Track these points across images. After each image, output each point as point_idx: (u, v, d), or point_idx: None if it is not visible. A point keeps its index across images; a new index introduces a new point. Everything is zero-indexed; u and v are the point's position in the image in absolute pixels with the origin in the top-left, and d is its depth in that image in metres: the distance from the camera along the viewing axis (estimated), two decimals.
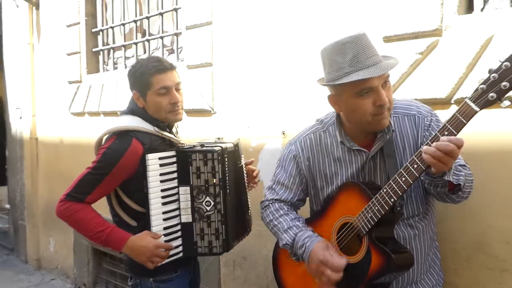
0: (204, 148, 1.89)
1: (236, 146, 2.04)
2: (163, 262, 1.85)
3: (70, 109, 4.23)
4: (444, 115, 1.56)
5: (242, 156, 2.12)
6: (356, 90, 1.45)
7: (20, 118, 5.03)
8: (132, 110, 1.96)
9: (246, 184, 2.13)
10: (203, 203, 1.88)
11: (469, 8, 1.88)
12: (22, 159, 5.04)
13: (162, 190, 1.85)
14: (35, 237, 4.89)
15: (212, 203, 1.87)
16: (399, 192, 1.39)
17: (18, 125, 5.11)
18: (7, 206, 5.84)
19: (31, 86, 4.82)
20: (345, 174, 1.63)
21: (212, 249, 1.89)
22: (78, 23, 4.12)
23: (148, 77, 1.88)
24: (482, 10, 1.85)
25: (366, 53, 1.44)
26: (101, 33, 4.08)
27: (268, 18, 2.52)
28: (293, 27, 2.41)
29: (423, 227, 1.61)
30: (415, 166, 1.35)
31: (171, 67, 1.91)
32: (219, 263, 2.89)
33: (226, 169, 1.89)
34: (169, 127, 2.01)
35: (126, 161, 1.82)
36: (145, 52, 3.65)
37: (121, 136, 1.87)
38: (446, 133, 1.29)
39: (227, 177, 1.89)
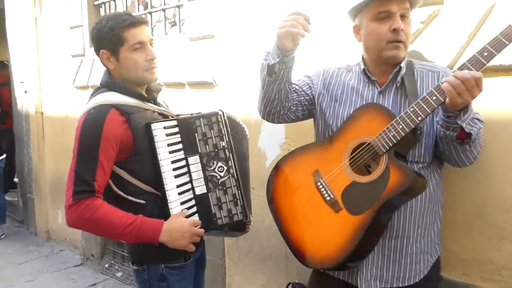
0: (207, 112, 1.80)
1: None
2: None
3: (74, 83, 4.24)
4: None
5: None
6: (374, 12, 1.53)
7: (25, 92, 5.05)
8: (109, 85, 1.76)
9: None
10: (216, 170, 1.76)
11: None
12: (28, 133, 5.09)
13: (173, 162, 1.71)
14: (43, 209, 4.99)
15: (225, 168, 1.76)
16: (428, 110, 1.39)
17: (23, 100, 5.14)
18: (15, 179, 5.92)
19: (35, 60, 4.81)
20: (356, 102, 1.66)
21: (233, 217, 1.75)
22: None
23: (120, 32, 1.68)
24: None
25: None
26: (103, 5, 4.04)
27: None
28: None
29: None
30: (434, 97, 1.38)
31: (144, 22, 1.74)
32: (223, 238, 2.93)
33: (230, 134, 1.80)
34: (154, 100, 1.84)
35: (108, 131, 1.61)
36: (147, 25, 3.63)
37: (94, 108, 1.66)
38: (485, 53, 1.32)
39: (232, 141, 1.81)
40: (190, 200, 1.73)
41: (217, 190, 1.76)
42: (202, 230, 1.70)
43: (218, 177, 1.76)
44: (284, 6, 2.42)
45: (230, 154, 1.78)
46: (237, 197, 1.77)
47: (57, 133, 4.64)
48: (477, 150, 1.51)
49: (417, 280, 1.62)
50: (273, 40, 1.55)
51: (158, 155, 1.68)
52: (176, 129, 1.75)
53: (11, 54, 5.31)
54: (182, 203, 1.71)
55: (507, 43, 1.30)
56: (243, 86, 2.68)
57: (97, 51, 1.77)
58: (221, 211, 1.75)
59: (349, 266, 1.60)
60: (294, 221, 1.66)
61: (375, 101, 1.61)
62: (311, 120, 1.86)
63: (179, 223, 1.64)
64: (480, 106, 1.70)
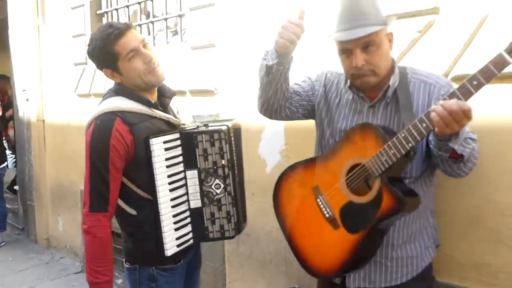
0: (210, 128, 1.78)
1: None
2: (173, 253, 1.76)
3: (76, 91, 4.28)
4: None
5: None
6: (338, 48, 1.60)
7: (27, 100, 5.09)
8: (117, 91, 1.79)
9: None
10: (212, 186, 1.78)
11: None
12: (29, 141, 5.12)
13: (169, 176, 1.74)
14: (44, 217, 5.00)
15: (222, 185, 1.78)
16: (418, 138, 1.41)
17: (25, 107, 5.18)
18: (16, 187, 5.95)
19: (37, 68, 4.86)
20: (349, 115, 1.71)
21: (225, 233, 1.81)
22: (83, 5, 4.14)
23: (110, 48, 1.69)
24: None
25: (351, 15, 1.51)
26: (105, 15, 4.10)
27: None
28: (295, 7, 2.43)
29: None
30: (424, 125, 1.39)
31: (128, 27, 1.71)
32: (224, 242, 2.96)
33: (233, 148, 1.82)
34: (164, 106, 1.85)
35: (115, 142, 1.66)
36: (149, 34, 3.69)
37: (100, 117, 1.69)
38: (475, 82, 1.29)
39: (234, 157, 1.82)
40: (184, 212, 1.79)
41: (211, 206, 1.80)
42: None
43: (214, 193, 1.79)
44: (283, 15, 2.47)
45: (230, 172, 1.79)
46: (231, 214, 1.80)
47: (59, 140, 4.67)
48: (472, 164, 1.52)
49: (404, 280, 1.67)
50: (272, 43, 1.60)
51: (154, 170, 1.71)
52: (178, 142, 1.77)
53: (14, 63, 5.37)
54: (174, 216, 1.76)
55: (497, 72, 1.28)
56: (243, 94, 2.73)
57: (100, 70, 1.81)
58: (214, 225, 1.81)
59: (345, 275, 1.71)
60: (298, 232, 1.78)
61: (365, 115, 1.67)
62: (310, 128, 1.91)
63: None
64: (477, 112, 1.74)
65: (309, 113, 1.84)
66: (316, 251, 1.70)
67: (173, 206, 1.76)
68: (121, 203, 1.76)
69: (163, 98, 1.86)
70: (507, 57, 1.26)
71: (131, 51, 1.69)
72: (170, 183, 1.74)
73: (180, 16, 3.32)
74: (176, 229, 1.77)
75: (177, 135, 1.78)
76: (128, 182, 1.74)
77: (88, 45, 1.76)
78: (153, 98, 1.83)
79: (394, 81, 1.60)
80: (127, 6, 3.84)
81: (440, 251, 1.86)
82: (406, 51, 1.95)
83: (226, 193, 1.79)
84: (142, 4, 3.71)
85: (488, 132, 1.76)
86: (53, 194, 4.87)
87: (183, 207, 1.79)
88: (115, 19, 4.03)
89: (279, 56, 1.57)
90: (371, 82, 1.58)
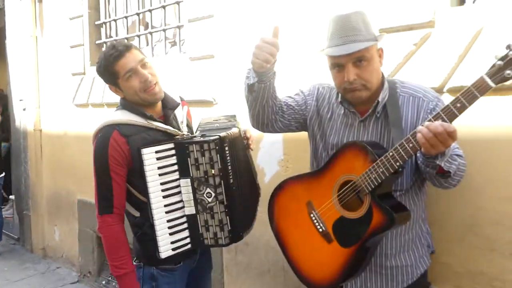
0: (201, 138, 1.85)
1: (238, 127, 2.03)
2: (172, 254, 1.86)
3: (74, 101, 4.30)
4: None
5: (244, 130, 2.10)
6: (330, 63, 1.64)
7: (24, 109, 5.10)
8: (122, 105, 1.96)
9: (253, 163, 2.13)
10: (204, 195, 1.84)
11: (461, 0, 1.95)
12: (26, 150, 5.12)
13: (162, 183, 1.83)
14: (40, 226, 4.99)
15: (213, 194, 1.83)
16: (405, 157, 1.45)
17: (22, 117, 5.18)
18: (12, 196, 5.92)
19: (35, 78, 4.88)
20: (340, 129, 1.75)
21: (218, 240, 1.86)
22: (81, 15, 4.18)
23: (111, 68, 1.86)
24: (474, 2, 1.93)
25: (343, 31, 1.56)
26: (104, 25, 4.14)
27: (269, 11, 2.59)
28: (292, 19, 2.47)
29: None
30: (410, 145, 1.43)
31: (127, 49, 1.85)
32: (222, 249, 2.97)
33: (228, 158, 1.85)
34: (166, 117, 1.96)
35: (113, 153, 1.83)
36: (147, 45, 3.72)
37: (102, 130, 1.88)
38: (458, 105, 1.33)
39: (229, 166, 1.85)
40: (180, 217, 1.88)
41: (205, 213, 1.86)
42: None
43: (206, 201, 1.85)
44: (282, 27, 2.52)
45: (222, 181, 1.83)
46: (224, 222, 1.85)
47: (56, 150, 4.68)
48: (459, 177, 1.55)
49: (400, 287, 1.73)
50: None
51: (146, 178, 1.81)
52: (173, 152, 1.86)
53: (11, 72, 5.38)
54: (169, 220, 1.85)
55: (479, 96, 1.31)
56: (242, 104, 2.73)
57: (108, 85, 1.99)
58: (208, 232, 1.87)
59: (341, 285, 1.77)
60: (294, 246, 1.82)
61: (356, 130, 1.71)
62: (308, 139, 1.95)
63: None
64: (474, 123, 1.79)
65: (302, 126, 1.89)
66: (311, 264, 1.75)
67: (167, 212, 1.84)
68: (127, 205, 1.93)
69: (166, 109, 1.98)
70: (489, 81, 1.30)
71: (128, 71, 1.84)
72: (163, 190, 1.84)
73: (179, 27, 3.36)
74: (171, 234, 1.85)
75: (171, 145, 1.86)
76: (130, 187, 1.90)
77: (96, 63, 1.95)
78: (155, 111, 1.95)
79: (383, 96, 1.65)
80: (126, 17, 3.88)
81: (436, 259, 1.89)
82: (402, 64, 1.99)
83: (217, 201, 1.84)
84: (141, 15, 3.75)
85: (482, 143, 1.80)
86: (49, 203, 4.86)
87: (179, 213, 1.87)
88: (113, 29, 4.07)
89: (258, 75, 1.62)
90: (362, 96, 1.63)
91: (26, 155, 5.12)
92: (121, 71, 1.85)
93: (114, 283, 4.04)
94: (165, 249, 1.84)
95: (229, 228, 1.86)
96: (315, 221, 1.72)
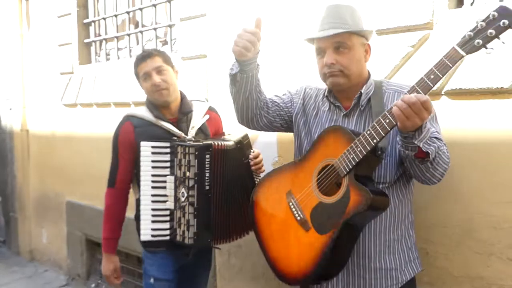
0: (187, 142, 2.03)
1: (239, 143, 2.11)
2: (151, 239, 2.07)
3: (62, 101, 4.22)
4: (435, 105, 1.62)
5: (253, 151, 2.19)
6: (315, 49, 1.69)
7: (10, 109, 5.00)
8: (145, 101, 2.24)
9: (254, 182, 2.16)
10: (180, 194, 2.01)
11: (459, 2, 1.94)
12: (12, 151, 5.02)
13: (153, 175, 2.04)
14: (27, 229, 4.89)
15: (186, 194, 1.98)
16: (382, 133, 1.44)
17: (8, 117, 5.08)
18: None
19: (21, 77, 4.79)
20: (325, 125, 1.75)
21: (184, 239, 2.00)
22: (70, 13, 4.11)
23: (135, 68, 2.17)
24: (471, 4, 1.91)
25: (329, 19, 1.61)
26: (93, 24, 4.07)
27: (261, 9, 2.55)
28: (287, 18, 2.45)
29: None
30: (387, 120, 1.43)
31: (150, 55, 2.13)
32: (215, 251, 2.94)
33: (207, 165, 1.98)
34: (178, 120, 2.19)
35: (122, 139, 2.16)
36: (138, 44, 3.67)
37: (122, 119, 2.21)
38: (432, 76, 1.36)
39: (206, 173, 1.98)
40: (164, 209, 2.07)
41: (179, 211, 2.02)
42: (113, 280, 2.29)
43: (181, 200, 2.02)
44: (276, 26, 2.49)
45: (195, 185, 1.98)
46: (191, 223, 1.99)
47: (44, 151, 4.59)
48: (442, 168, 1.51)
49: None
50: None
51: (141, 167, 2.06)
52: (168, 150, 2.06)
53: None
54: (153, 209, 2.06)
55: (451, 66, 1.35)
56: None
57: None
58: (179, 229, 2.03)
59: (319, 282, 1.70)
60: (271, 239, 1.77)
61: (340, 124, 1.70)
62: None
63: (107, 263, 2.26)
64: (473, 127, 1.79)
65: (287, 124, 1.89)
66: (289, 255, 1.68)
67: (153, 201, 2.05)
68: (132, 185, 2.24)
69: (179, 113, 2.22)
70: (459, 50, 1.34)
71: (144, 74, 2.14)
72: (153, 181, 2.05)
73: (170, 26, 3.31)
74: (153, 221, 2.05)
75: (168, 144, 2.08)
76: (136, 170, 2.14)
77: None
78: (170, 112, 2.21)
79: (367, 89, 1.66)
80: (115, 16, 3.81)
81: (433, 263, 1.88)
82: (400, 66, 1.97)
83: (188, 202, 1.99)
84: (131, 14, 3.69)
85: (481, 146, 1.78)
86: (36, 205, 4.77)
87: (163, 205, 2.06)
88: (102, 28, 4.00)
89: (240, 65, 1.66)
90: (340, 83, 1.64)
91: (13, 156, 5.02)
92: (140, 73, 2.15)
93: (103, 286, 3.98)
94: (145, 233, 2.05)
95: (195, 230, 1.99)
96: (293, 209, 1.67)
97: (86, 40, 4.11)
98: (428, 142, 1.42)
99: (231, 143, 2.07)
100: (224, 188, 2.04)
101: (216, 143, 2.02)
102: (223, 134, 2.33)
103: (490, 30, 1.30)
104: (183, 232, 1.99)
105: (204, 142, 2.01)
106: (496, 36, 1.30)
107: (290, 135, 2.03)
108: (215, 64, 2.84)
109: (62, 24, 4.19)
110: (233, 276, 2.84)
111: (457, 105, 1.84)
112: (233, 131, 2.30)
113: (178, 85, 2.25)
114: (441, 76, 1.36)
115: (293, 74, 2.40)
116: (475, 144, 1.79)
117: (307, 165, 1.68)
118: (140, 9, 3.53)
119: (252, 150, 2.20)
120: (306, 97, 1.85)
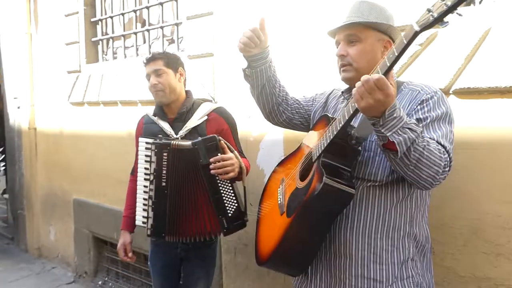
0: (157, 141, 2.21)
1: (196, 145, 2.11)
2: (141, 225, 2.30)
3: (69, 99, 4.24)
4: None
5: (220, 154, 2.12)
6: (335, 42, 1.68)
7: (18, 108, 5.03)
8: None
9: (216, 186, 2.17)
10: (148, 188, 2.25)
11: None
12: (20, 149, 5.05)
13: (145, 168, 2.26)
14: (35, 226, 4.93)
15: (148, 187, 2.24)
16: (346, 116, 1.41)
17: (16, 115, 5.12)
18: (6, 195, 5.86)
19: (29, 76, 4.82)
20: None
21: (147, 230, 2.27)
22: (77, 12, 4.12)
23: (145, 68, 2.36)
24: (480, 2, 1.89)
25: (348, 13, 1.61)
26: (100, 22, 4.08)
27: (268, 8, 2.55)
28: (292, 17, 2.44)
29: (375, 200, 1.53)
30: (353, 104, 1.38)
31: (152, 58, 2.30)
32: (220, 249, 2.94)
33: (165, 163, 2.17)
34: (176, 119, 2.32)
35: (136, 132, 2.45)
36: (144, 42, 3.67)
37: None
38: (390, 56, 1.28)
39: (163, 170, 2.18)
40: (145, 199, 2.28)
41: (148, 201, 2.26)
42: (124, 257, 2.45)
43: (149, 194, 2.26)
44: (282, 25, 2.48)
45: (154, 180, 2.22)
46: (149, 215, 2.25)
47: (51, 149, 4.62)
48: (431, 170, 1.36)
49: None
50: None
51: (138, 160, 2.29)
52: (150, 146, 2.24)
53: (5, 70, 5.31)
54: (144, 199, 2.28)
55: (405, 42, 1.25)
56: (242, 103, 2.72)
57: None
58: (146, 219, 2.28)
59: (280, 268, 1.75)
60: (260, 223, 1.86)
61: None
62: None
63: (120, 240, 2.46)
64: (479, 126, 1.77)
65: (308, 122, 1.89)
66: (266, 237, 1.71)
67: (144, 192, 2.27)
68: None
69: (177, 113, 2.34)
70: (415, 25, 1.24)
71: (147, 76, 2.35)
72: (145, 174, 2.26)
73: (177, 24, 3.32)
74: (144, 210, 2.28)
75: (151, 141, 2.26)
76: None
77: None
78: (170, 110, 2.37)
79: None
80: (122, 14, 3.82)
81: (440, 263, 1.87)
82: (408, 64, 1.96)
83: (148, 195, 2.25)
84: (138, 12, 3.69)
85: (489, 145, 1.77)
86: (44, 203, 4.80)
87: (146, 195, 2.27)
88: (109, 27, 4.02)
89: (248, 60, 1.77)
90: (348, 76, 1.60)
91: (21, 154, 5.05)
92: (146, 73, 2.34)
93: (110, 284, 4.00)
94: (138, 219, 2.31)
95: (152, 222, 2.25)
96: (279, 194, 1.73)
97: (93, 39, 4.12)
98: (399, 132, 1.30)
99: (187, 143, 2.15)
100: (179, 187, 2.19)
101: (173, 143, 2.18)
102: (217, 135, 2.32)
103: (445, 1, 1.17)
104: (146, 222, 2.26)
105: (163, 141, 2.19)
106: (453, 7, 1.17)
107: (296, 134, 2.04)
108: (222, 63, 2.84)
109: (70, 22, 4.20)
110: (239, 273, 2.85)
111: (465, 104, 1.82)
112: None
113: (181, 87, 2.37)
114: (396, 54, 1.26)
115: (306, 70, 2.40)
116: (483, 144, 1.78)
117: (299, 155, 1.75)
118: (147, 7, 3.53)
119: (218, 153, 2.11)
120: (330, 97, 1.83)
